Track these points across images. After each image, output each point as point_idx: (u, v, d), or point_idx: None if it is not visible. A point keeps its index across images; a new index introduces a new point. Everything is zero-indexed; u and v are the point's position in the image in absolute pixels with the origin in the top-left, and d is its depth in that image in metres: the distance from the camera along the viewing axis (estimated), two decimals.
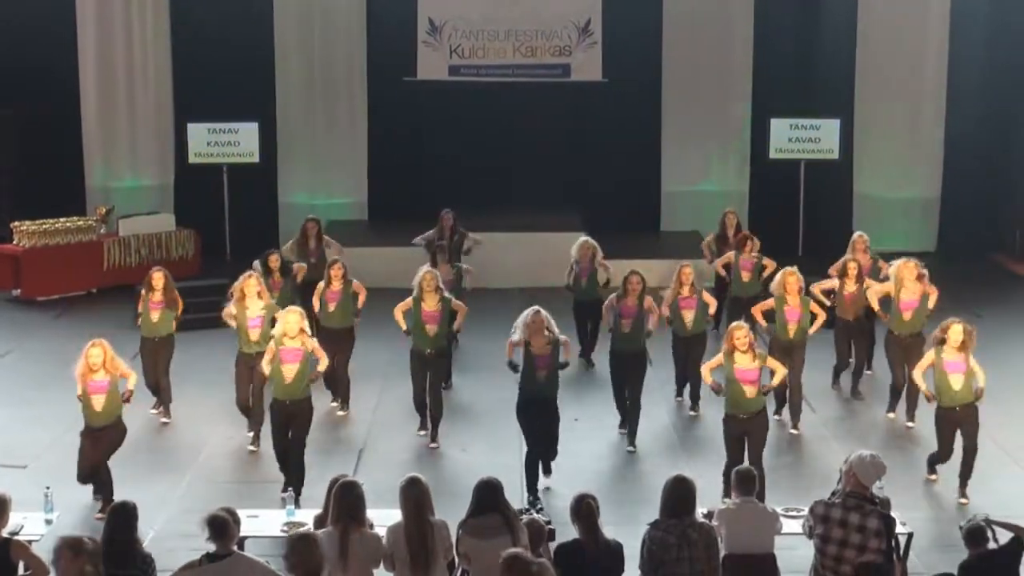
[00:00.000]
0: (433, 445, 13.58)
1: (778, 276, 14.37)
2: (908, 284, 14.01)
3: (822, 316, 14.31)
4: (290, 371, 11.89)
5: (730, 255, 16.56)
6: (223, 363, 14.67)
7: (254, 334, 13.50)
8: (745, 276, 16.19)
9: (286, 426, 12.04)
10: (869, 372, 15.61)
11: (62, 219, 20.31)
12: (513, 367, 12.49)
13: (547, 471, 12.40)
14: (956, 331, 12.05)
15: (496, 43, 23.31)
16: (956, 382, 12.02)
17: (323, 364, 12.47)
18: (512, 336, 12.43)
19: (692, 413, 14.64)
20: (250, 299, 13.66)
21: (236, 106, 22.25)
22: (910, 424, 14.07)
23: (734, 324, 12.04)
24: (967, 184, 22.86)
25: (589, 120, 23.30)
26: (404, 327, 13.96)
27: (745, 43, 23.07)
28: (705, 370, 12.40)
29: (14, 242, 19.86)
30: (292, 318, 12.04)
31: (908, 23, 22.87)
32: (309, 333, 12.27)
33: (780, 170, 22.72)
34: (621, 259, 19.24)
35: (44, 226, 19.98)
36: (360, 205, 23.37)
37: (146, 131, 23.10)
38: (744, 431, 11.73)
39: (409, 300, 13.86)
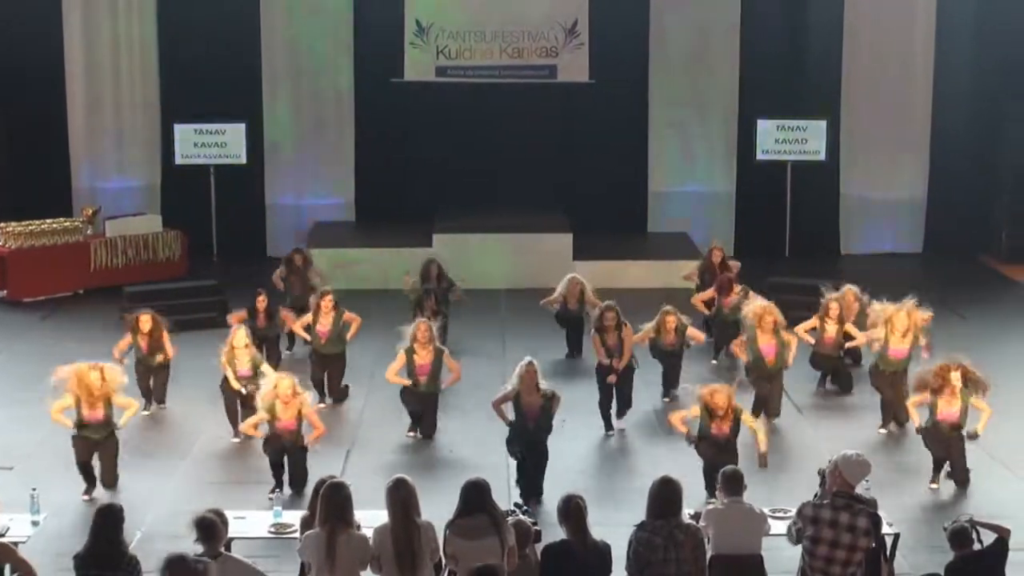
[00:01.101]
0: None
1: (755, 310, 14.33)
2: (897, 334, 13.92)
3: (794, 343, 14.41)
4: (288, 434, 12.09)
5: (712, 294, 16.48)
6: (211, 364, 14.66)
7: (243, 382, 13.64)
8: (727, 311, 16.17)
9: (281, 455, 12.18)
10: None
11: (48, 220, 20.25)
12: (509, 424, 12.43)
13: (536, 497, 12.08)
14: (955, 378, 12.17)
15: (483, 44, 23.29)
16: (948, 429, 12.26)
17: (316, 432, 12.42)
18: (504, 388, 12.45)
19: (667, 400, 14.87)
20: (239, 350, 13.79)
21: (223, 107, 22.22)
22: (882, 430, 14.07)
23: (715, 389, 11.97)
24: (954, 185, 22.91)
25: (576, 121, 23.29)
26: (403, 382, 13.92)
27: (732, 44, 23.08)
28: (677, 419, 12.27)
29: (0, 243, 19.80)
30: (285, 384, 12.07)
31: (895, 24, 22.91)
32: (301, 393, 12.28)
33: (767, 171, 22.76)
34: (608, 260, 19.35)
35: (30, 227, 19.92)
36: (347, 206, 23.32)
37: (133, 132, 23.05)
38: (716, 455, 11.70)
39: (401, 356, 13.82)
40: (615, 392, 14.01)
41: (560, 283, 16.81)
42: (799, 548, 8.48)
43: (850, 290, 15.79)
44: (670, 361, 15.02)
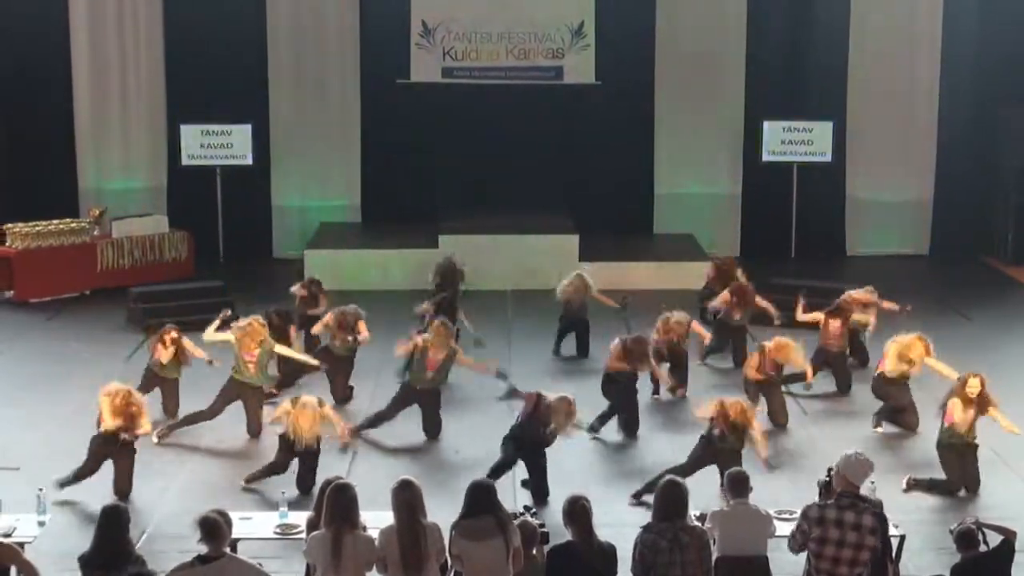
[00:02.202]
0: None
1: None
2: (917, 364, 13.77)
3: (809, 370, 14.54)
4: (307, 427, 12.06)
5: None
6: (215, 366, 14.66)
7: (251, 367, 13.64)
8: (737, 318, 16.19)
9: (291, 458, 12.21)
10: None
11: (55, 221, 20.26)
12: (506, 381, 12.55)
13: (542, 500, 12.04)
14: (973, 384, 12.13)
15: (489, 45, 23.31)
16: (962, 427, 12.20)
17: (340, 430, 12.70)
18: (543, 392, 12.43)
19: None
20: (252, 338, 13.78)
21: (229, 108, 22.26)
22: (878, 429, 13.99)
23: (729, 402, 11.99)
24: (959, 187, 22.92)
25: (582, 122, 23.29)
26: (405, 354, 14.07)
27: (738, 46, 23.10)
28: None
29: (7, 244, 19.80)
30: (307, 418, 12.07)
31: (900, 25, 22.93)
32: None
33: (773, 172, 22.77)
34: (614, 261, 19.35)
35: (37, 228, 19.94)
36: (353, 207, 23.34)
37: (139, 132, 23.08)
38: (716, 459, 11.74)
39: (416, 344, 13.92)
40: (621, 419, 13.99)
41: (567, 278, 16.85)
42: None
43: (868, 290, 15.83)
44: (680, 360, 15.01)
